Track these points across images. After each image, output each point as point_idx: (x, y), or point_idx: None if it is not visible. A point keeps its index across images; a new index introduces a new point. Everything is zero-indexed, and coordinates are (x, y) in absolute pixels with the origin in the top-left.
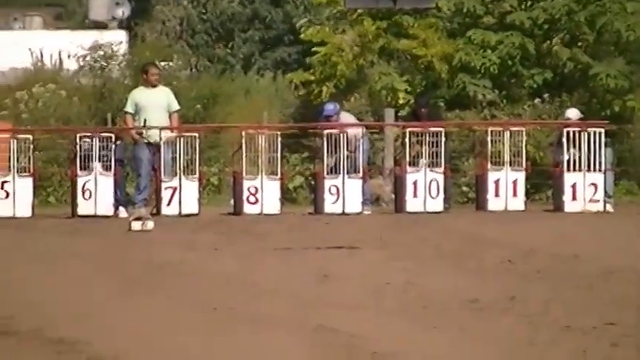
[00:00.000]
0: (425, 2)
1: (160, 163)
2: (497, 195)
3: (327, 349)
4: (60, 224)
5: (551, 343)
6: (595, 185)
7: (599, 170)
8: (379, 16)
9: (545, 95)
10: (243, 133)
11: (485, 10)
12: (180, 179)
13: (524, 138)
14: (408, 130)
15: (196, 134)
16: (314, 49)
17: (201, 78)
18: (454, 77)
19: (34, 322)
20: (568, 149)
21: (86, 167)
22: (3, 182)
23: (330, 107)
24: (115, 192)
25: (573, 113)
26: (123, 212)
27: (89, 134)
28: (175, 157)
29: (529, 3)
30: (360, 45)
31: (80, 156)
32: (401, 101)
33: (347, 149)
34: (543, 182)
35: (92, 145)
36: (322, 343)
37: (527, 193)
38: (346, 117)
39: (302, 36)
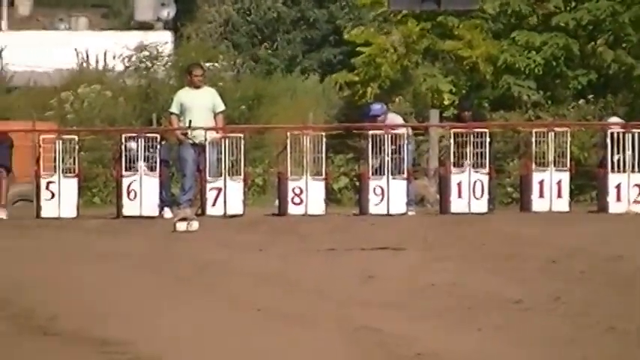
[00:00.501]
0: (469, 3)
1: (205, 164)
2: (541, 196)
3: (371, 349)
4: (105, 225)
5: (594, 345)
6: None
7: None
8: (423, 17)
9: (590, 96)
10: (288, 134)
11: (530, 10)
12: (225, 180)
13: (569, 139)
14: (452, 131)
15: (241, 135)
16: (358, 49)
17: (246, 79)
18: (499, 78)
19: (78, 322)
20: (612, 151)
21: (131, 168)
22: (48, 183)
23: (377, 107)
24: (160, 192)
25: (614, 121)
26: (168, 213)
27: (134, 135)
28: (220, 158)
29: (573, 4)
30: (405, 46)
31: (125, 156)
32: (445, 102)
33: (392, 150)
34: (587, 183)
35: (137, 145)
36: (366, 344)
37: (572, 194)
38: (393, 118)
39: (346, 37)
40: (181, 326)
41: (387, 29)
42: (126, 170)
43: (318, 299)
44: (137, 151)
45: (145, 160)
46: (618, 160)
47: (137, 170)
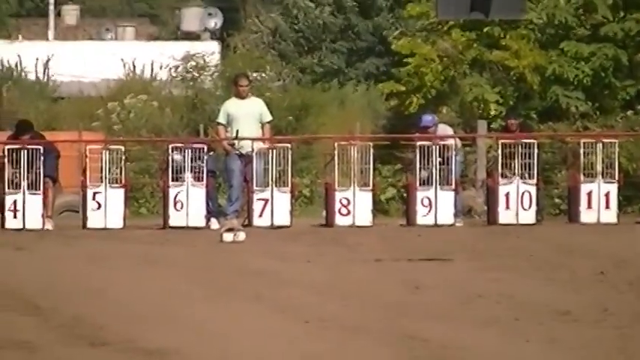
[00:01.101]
0: (517, 13)
1: (252, 175)
2: (589, 207)
3: (418, 359)
4: (152, 235)
5: None
6: None
7: None
8: (469, 27)
9: (638, 107)
10: (336, 144)
11: (577, 21)
12: (272, 190)
13: (617, 150)
14: (500, 141)
15: (288, 145)
16: (405, 60)
17: (293, 89)
18: (547, 89)
19: (126, 332)
20: None
21: (178, 178)
22: (95, 193)
23: (428, 118)
24: (207, 203)
25: None
26: (215, 223)
27: (181, 145)
28: (267, 169)
29: (622, 14)
30: (451, 56)
31: (172, 167)
32: (492, 112)
33: (440, 161)
34: (636, 194)
35: (183, 156)
36: (413, 354)
37: (620, 205)
38: (444, 128)
39: (393, 47)
40: (230, 336)
41: (433, 39)
42: (173, 181)
43: (366, 309)
44: (183, 161)
45: (191, 171)
46: None
47: (184, 181)
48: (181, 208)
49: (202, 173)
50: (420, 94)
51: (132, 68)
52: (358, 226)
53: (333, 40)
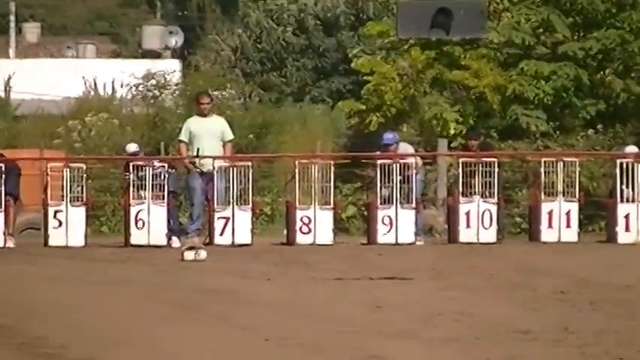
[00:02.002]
0: (478, 32)
1: (213, 193)
2: (550, 226)
3: None
4: (113, 253)
5: None
6: None
7: None
8: (429, 46)
9: (599, 126)
10: (297, 163)
11: (535, 40)
12: (233, 209)
13: (578, 169)
14: (461, 160)
15: (249, 163)
16: (365, 78)
17: (254, 107)
18: (506, 108)
19: (87, 350)
20: (622, 181)
21: (139, 196)
22: (56, 211)
23: (389, 136)
24: (168, 221)
25: (631, 150)
26: (176, 242)
27: (142, 163)
28: (228, 187)
29: (582, 33)
30: (411, 74)
31: (133, 185)
32: (452, 131)
33: (401, 179)
34: (596, 213)
35: (145, 174)
36: None
37: (581, 224)
38: (405, 147)
39: (353, 65)
40: (188, 355)
41: (392, 58)
42: (134, 199)
43: (326, 328)
44: (143, 180)
45: (152, 189)
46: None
47: (145, 199)
48: (143, 226)
49: (164, 191)
50: (379, 112)
51: (93, 86)
52: (319, 245)
53: (296, 59)
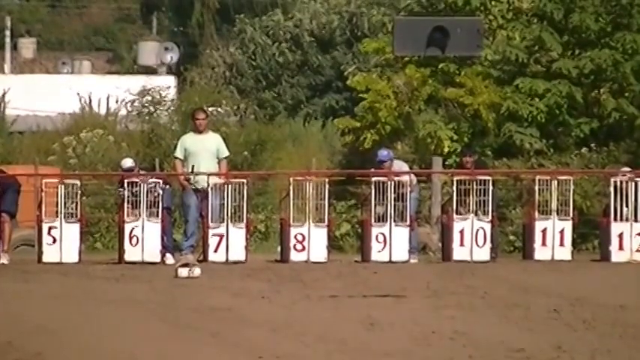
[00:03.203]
0: (473, 50)
1: (208, 210)
2: (544, 244)
3: None
4: (107, 270)
5: None
6: None
7: None
8: (424, 63)
9: (593, 144)
10: (291, 180)
11: (529, 57)
12: (227, 226)
13: (572, 187)
14: (455, 178)
15: (244, 180)
16: (360, 95)
17: (250, 124)
18: (501, 126)
19: None
20: (616, 199)
21: (134, 213)
22: (50, 228)
23: (383, 153)
24: (162, 238)
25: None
26: (170, 259)
27: (137, 180)
28: (223, 204)
29: (576, 52)
30: (406, 92)
31: (128, 202)
32: (446, 149)
33: (395, 197)
34: (590, 232)
35: (140, 191)
36: None
37: (574, 243)
38: (399, 165)
39: (348, 83)
40: None
41: (388, 75)
42: (128, 216)
43: (321, 347)
44: (130, 196)
45: (147, 206)
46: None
47: (139, 216)
48: (137, 243)
49: (158, 208)
50: (374, 130)
51: (88, 102)
52: (313, 262)
53: (291, 76)
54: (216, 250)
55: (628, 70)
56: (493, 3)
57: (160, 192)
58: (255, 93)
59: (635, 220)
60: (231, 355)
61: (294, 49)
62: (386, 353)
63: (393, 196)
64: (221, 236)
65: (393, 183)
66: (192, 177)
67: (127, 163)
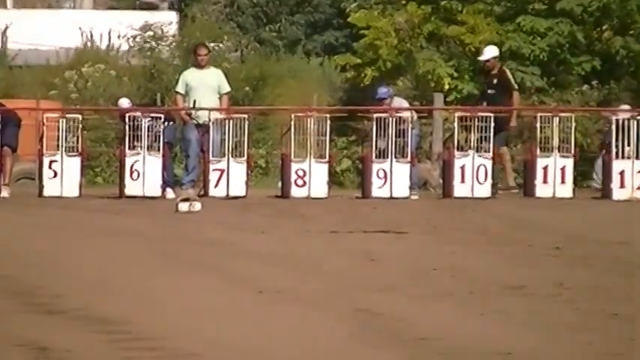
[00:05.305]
0: None
1: (209, 145)
2: (545, 181)
3: (373, 332)
4: (107, 204)
5: (598, 330)
6: None
7: None
8: (426, 0)
9: (594, 82)
10: (292, 116)
11: None
12: (228, 161)
13: (573, 124)
14: (457, 114)
15: (245, 116)
16: (361, 32)
17: (251, 60)
18: (502, 64)
19: (82, 300)
20: (617, 137)
21: (134, 147)
22: (51, 162)
23: (383, 90)
24: (163, 173)
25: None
26: (170, 193)
27: (138, 114)
28: (224, 139)
29: None
30: (407, 30)
31: (129, 136)
32: (446, 87)
33: (396, 133)
34: (591, 169)
35: (141, 125)
36: (368, 327)
37: (575, 180)
38: (399, 101)
39: (349, 19)
40: (183, 306)
41: (389, 12)
42: (129, 150)
43: (320, 281)
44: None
45: (148, 140)
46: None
47: (140, 150)
48: (137, 177)
49: (159, 143)
50: (374, 66)
51: (90, 37)
52: (314, 198)
53: (291, 13)
54: (216, 185)
55: (634, 7)
56: None
57: (162, 128)
58: (255, 30)
59: (637, 158)
60: (230, 289)
61: None
62: (385, 288)
63: (393, 132)
64: (222, 171)
65: (393, 119)
66: (193, 112)
67: (124, 103)
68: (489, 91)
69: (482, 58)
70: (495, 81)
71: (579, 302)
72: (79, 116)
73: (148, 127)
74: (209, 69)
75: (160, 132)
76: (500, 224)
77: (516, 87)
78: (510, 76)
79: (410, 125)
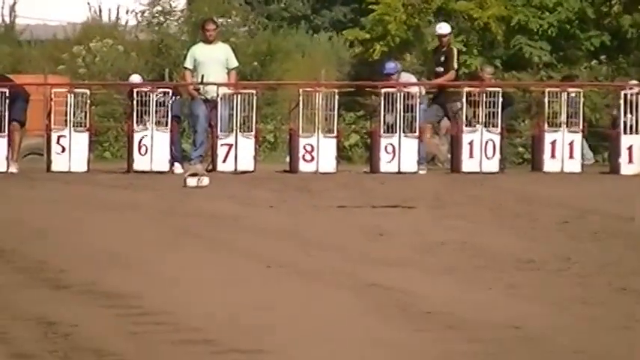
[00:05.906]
0: None
1: (217, 120)
2: (553, 156)
3: (381, 306)
4: (115, 179)
5: (605, 305)
6: None
7: None
8: None
9: (602, 57)
10: (301, 91)
11: None
12: (236, 136)
13: (582, 99)
14: (465, 89)
15: (253, 91)
16: (369, 7)
17: (259, 35)
18: (510, 38)
19: (88, 275)
20: (625, 112)
21: (142, 122)
22: (59, 137)
23: (390, 65)
24: (171, 148)
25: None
26: (178, 168)
27: (146, 90)
28: (232, 114)
29: None
30: (416, 5)
31: (137, 111)
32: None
33: (404, 108)
34: (599, 144)
35: (149, 100)
36: (376, 301)
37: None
38: (406, 77)
39: None
40: (190, 280)
41: None
42: (137, 125)
43: (328, 256)
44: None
45: (156, 115)
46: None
47: (148, 125)
48: (145, 152)
49: (167, 118)
50: (383, 41)
51: (98, 12)
52: (322, 173)
53: None
54: (224, 160)
55: None
56: None
57: (170, 102)
58: (262, 5)
59: None
60: (238, 264)
61: None
62: (393, 263)
63: (401, 107)
64: (230, 146)
65: (401, 94)
66: (201, 87)
67: (136, 79)
68: (437, 69)
69: (442, 31)
70: (442, 58)
71: (587, 276)
72: (87, 91)
73: (157, 102)
74: (217, 44)
75: (168, 107)
76: (508, 199)
77: (455, 67)
78: (455, 56)
79: (418, 100)
